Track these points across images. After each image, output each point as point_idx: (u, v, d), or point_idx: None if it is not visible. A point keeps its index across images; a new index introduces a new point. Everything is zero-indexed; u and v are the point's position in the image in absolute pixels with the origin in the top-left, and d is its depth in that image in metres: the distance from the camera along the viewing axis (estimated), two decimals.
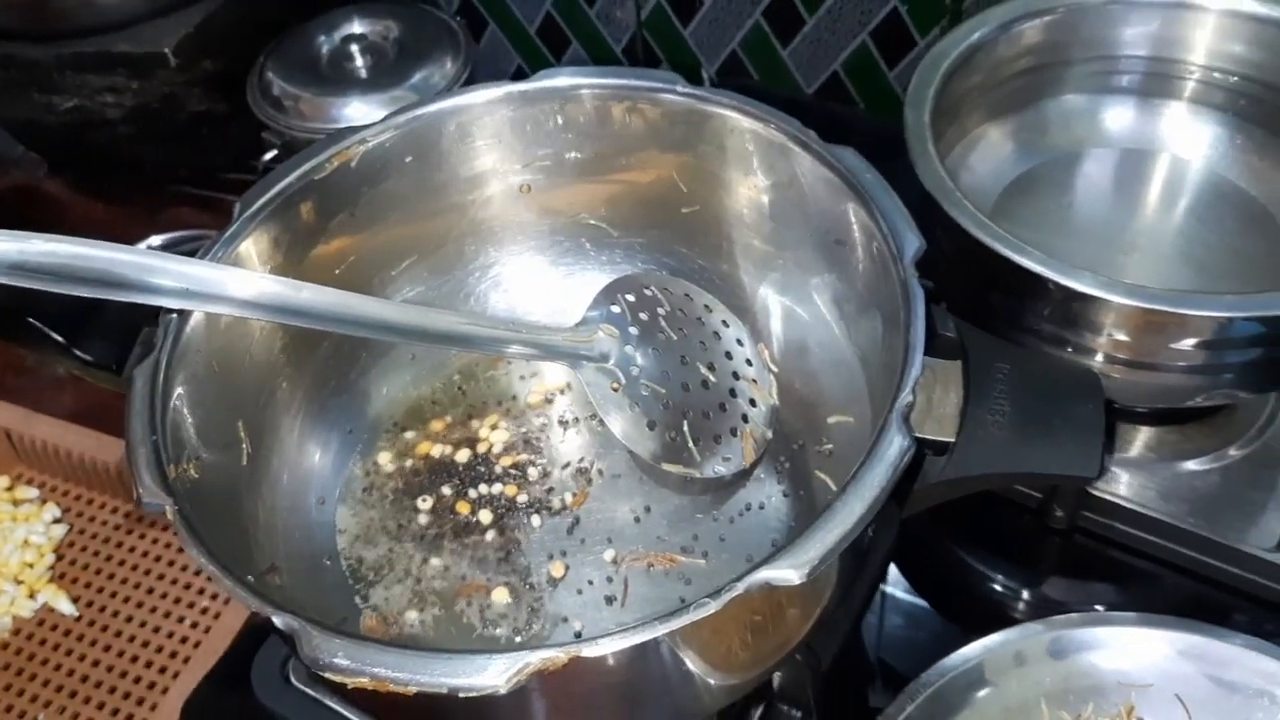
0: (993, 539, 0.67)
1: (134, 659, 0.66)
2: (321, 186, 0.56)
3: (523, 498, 0.59)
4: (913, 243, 0.48)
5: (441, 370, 0.64)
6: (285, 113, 0.81)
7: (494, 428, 0.62)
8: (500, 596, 0.55)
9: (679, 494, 0.58)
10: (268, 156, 0.81)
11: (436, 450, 0.61)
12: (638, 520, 0.57)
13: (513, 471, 0.60)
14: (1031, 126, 0.70)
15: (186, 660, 0.65)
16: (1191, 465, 0.64)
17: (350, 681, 0.37)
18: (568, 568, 0.56)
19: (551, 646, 0.38)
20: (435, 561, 0.57)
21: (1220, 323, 0.52)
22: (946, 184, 0.56)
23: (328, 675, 0.38)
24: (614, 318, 0.57)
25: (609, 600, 0.55)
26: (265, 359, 0.56)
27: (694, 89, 0.57)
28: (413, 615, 0.55)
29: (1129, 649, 0.53)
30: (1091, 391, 0.47)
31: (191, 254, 0.51)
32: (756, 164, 0.57)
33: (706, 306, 0.60)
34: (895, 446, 0.42)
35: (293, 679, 0.55)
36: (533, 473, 0.60)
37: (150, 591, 0.69)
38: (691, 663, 0.43)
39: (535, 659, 0.37)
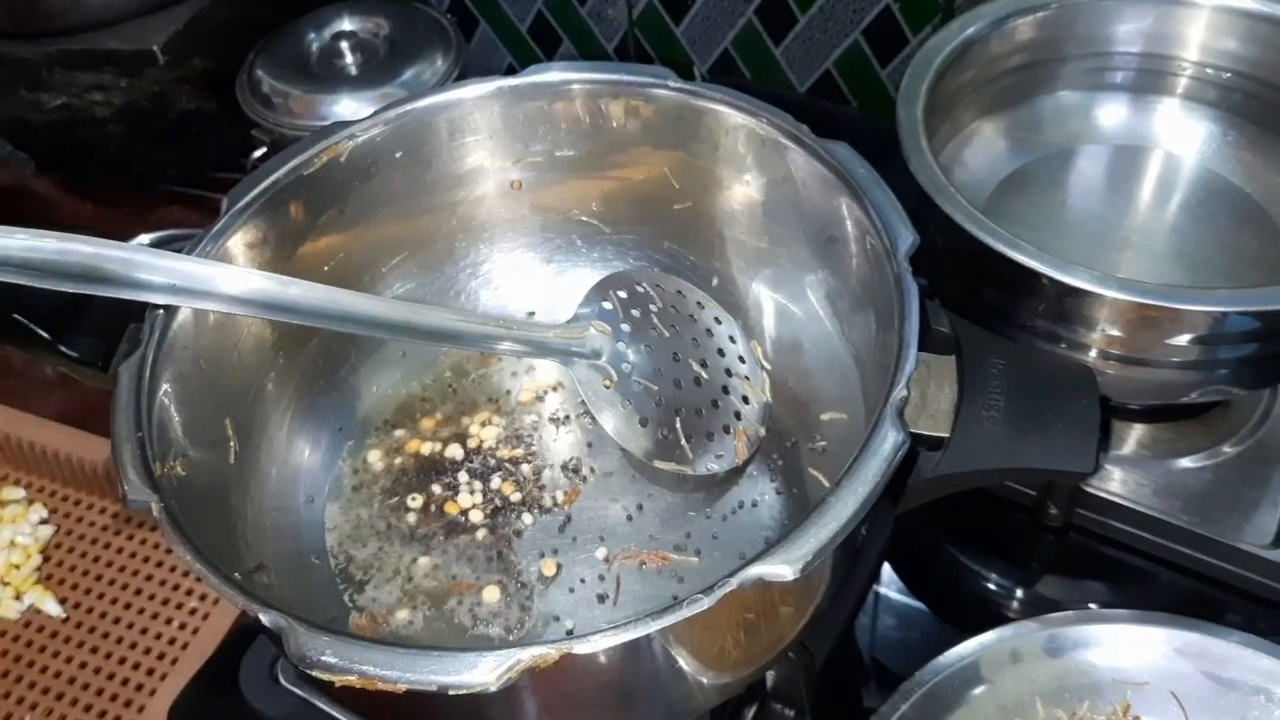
0: (987, 537, 0.67)
1: (121, 660, 0.65)
2: (310, 182, 0.56)
3: (514, 496, 0.58)
4: (906, 238, 0.48)
5: (432, 367, 0.64)
6: (275, 110, 0.80)
7: (485, 425, 0.61)
8: (491, 595, 0.54)
9: (671, 492, 0.58)
10: (257, 154, 0.80)
11: (427, 448, 0.61)
12: (630, 518, 0.57)
13: (504, 469, 0.60)
14: (1025, 123, 0.69)
15: (174, 661, 0.64)
16: (1186, 462, 0.64)
17: (339, 680, 0.37)
18: (559, 566, 0.56)
19: (542, 643, 0.37)
20: (425, 560, 0.56)
21: (1215, 318, 0.52)
22: (940, 180, 0.56)
23: (316, 673, 0.37)
24: (606, 314, 0.56)
25: (601, 598, 0.54)
26: (254, 356, 0.55)
27: (686, 84, 0.56)
28: (403, 614, 0.54)
29: (1125, 647, 0.53)
30: (1087, 387, 0.46)
31: (179, 252, 0.51)
32: (749, 160, 0.57)
33: (699, 303, 0.59)
34: (889, 442, 0.42)
35: (281, 679, 0.54)
36: (524, 470, 0.59)
37: (138, 593, 0.68)
38: (684, 661, 0.43)
39: (526, 656, 0.37)
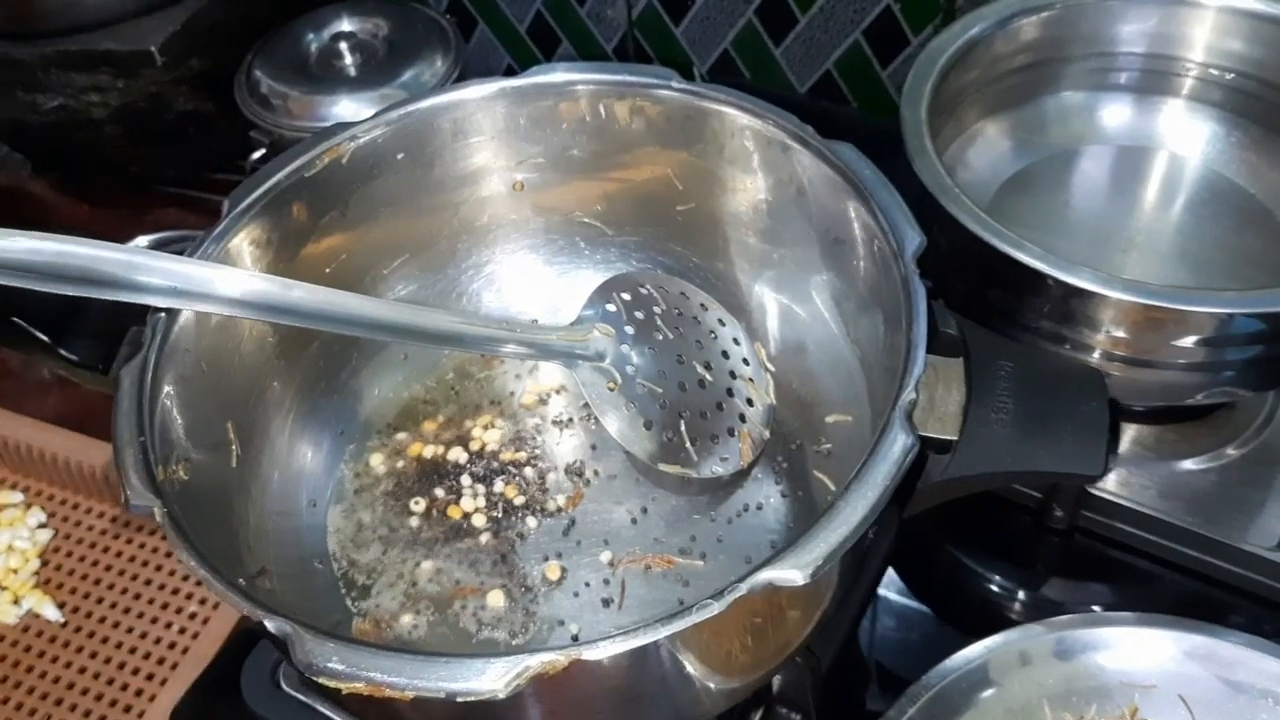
0: (991, 540, 0.67)
1: (121, 665, 0.65)
2: (312, 184, 0.55)
3: (518, 499, 0.58)
4: (913, 239, 0.48)
5: (434, 370, 0.63)
6: (273, 111, 0.80)
7: (488, 428, 0.61)
8: (495, 600, 0.54)
9: (676, 495, 0.57)
10: (256, 156, 0.80)
11: (429, 451, 0.60)
12: (634, 521, 0.57)
13: (507, 472, 0.59)
14: (1028, 123, 0.69)
15: (175, 666, 0.64)
16: (1190, 464, 0.63)
17: (345, 687, 0.37)
18: (564, 570, 0.55)
19: (551, 649, 0.37)
20: (428, 564, 0.56)
21: (1221, 319, 0.52)
22: (945, 180, 0.56)
23: (323, 680, 0.37)
24: (609, 316, 0.56)
25: (606, 602, 0.54)
26: (255, 359, 0.55)
27: (689, 85, 0.56)
28: (406, 619, 0.54)
29: (1133, 650, 0.53)
30: (1095, 389, 0.46)
31: (179, 254, 0.51)
32: (754, 161, 0.56)
33: (702, 305, 0.59)
34: (899, 445, 0.41)
35: (283, 685, 0.54)
36: (528, 474, 0.59)
37: (137, 597, 0.68)
38: (692, 666, 0.42)
39: (535, 662, 0.36)
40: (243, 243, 0.53)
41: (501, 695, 0.36)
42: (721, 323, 0.59)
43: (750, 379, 0.58)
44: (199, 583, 0.66)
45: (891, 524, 0.54)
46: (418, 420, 0.62)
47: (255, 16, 0.86)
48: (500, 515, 0.57)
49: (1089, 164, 0.68)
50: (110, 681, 0.64)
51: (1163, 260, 0.64)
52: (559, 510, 0.57)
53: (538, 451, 0.60)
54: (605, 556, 0.55)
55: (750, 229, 0.60)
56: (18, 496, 0.73)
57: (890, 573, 0.66)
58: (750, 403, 0.57)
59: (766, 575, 0.38)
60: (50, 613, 0.67)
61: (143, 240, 0.84)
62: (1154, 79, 0.68)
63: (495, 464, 0.60)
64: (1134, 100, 0.69)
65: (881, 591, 0.65)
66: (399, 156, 0.58)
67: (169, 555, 0.69)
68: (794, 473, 0.57)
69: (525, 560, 0.56)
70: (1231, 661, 0.52)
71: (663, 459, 0.55)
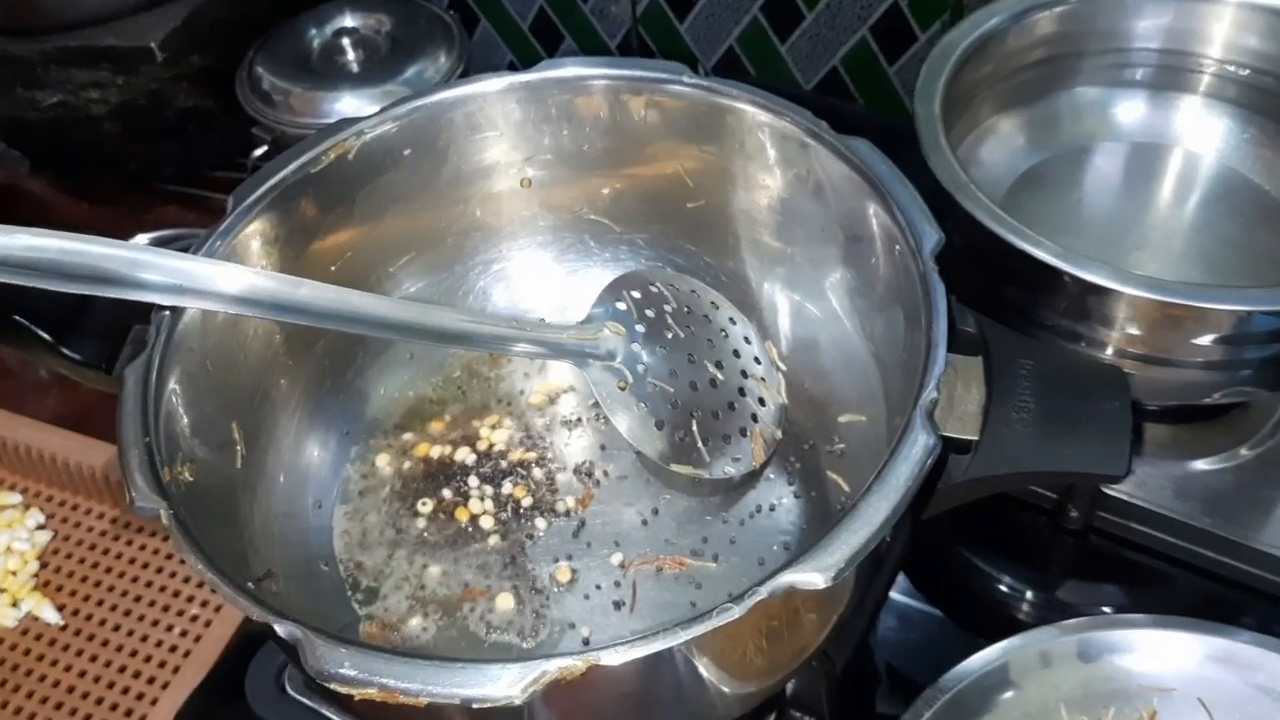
0: (1004, 541, 0.66)
1: (122, 669, 0.64)
2: (318, 180, 0.55)
3: (526, 500, 0.57)
4: (931, 236, 0.47)
5: (441, 369, 0.63)
6: (275, 108, 0.79)
7: (496, 428, 0.60)
8: (504, 602, 0.53)
9: (687, 496, 0.57)
10: (258, 153, 0.79)
11: (436, 451, 0.60)
12: (645, 523, 0.56)
13: (515, 473, 0.59)
14: (1042, 119, 0.69)
15: (177, 670, 0.63)
16: (1206, 464, 0.63)
17: (358, 693, 0.36)
18: (574, 572, 0.54)
19: (568, 655, 0.36)
20: (436, 566, 0.55)
21: (1239, 317, 0.51)
22: (960, 176, 0.55)
23: (334, 686, 0.36)
24: (620, 315, 0.55)
25: (617, 605, 0.53)
26: (261, 357, 0.54)
27: (702, 80, 0.55)
28: (414, 622, 0.53)
29: (1152, 652, 0.52)
30: (1118, 388, 0.45)
31: (182, 252, 0.50)
32: (771, 157, 0.56)
33: (713, 303, 0.58)
34: (920, 445, 0.41)
35: (288, 688, 0.53)
36: (537, 474, 0.58)
37: (138, 599, 0.67)
38: (709, 671, 0.42)
39: (552, 668, 0.36)
40: (248, 240, 0.52)
41: (518, 701, 0.35)
42: (732, 321, 0.58)
43: (762, 378, 0.57)
44: (201, 584, 0.65)
45: (907, 525, 0.54)
46: (425, 420, 0.61)
47: (257, 12, 0.85)
48: (509, 517, 0.57)
49: (1103, 160, 0.68)
50: (111, 685, 0.63)
51: (1177, 258, 0.63)
52: (569, 511, 0.57)
53: (547, 452, 0.59)
54: (616, 558, 0.55)
55: (762, 226, 0.59)
56: (16, 498, 0.72)
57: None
58: (762, 402, 0.56)
59: (787, 578, 0.37)
60: (49, 615, 0.66)
61: (143, 239, 0.83)
62: (1169, 75, 0.68)
63: (503, 465, 0.59)
64: (1149, 96, 0.69)
65: None
66: (406, 152, 0.57)
67: (170, 557, 0.68)
68: (807, 473, 0.57)
69: (535, 562, 0.55)
70: (1252, 664, 0.51)
71: (674, 459, 0.54)
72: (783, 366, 0.59)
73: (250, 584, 0.42)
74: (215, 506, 0.48)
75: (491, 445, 0.60)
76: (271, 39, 0.83)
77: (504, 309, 0.63)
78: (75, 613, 0.66)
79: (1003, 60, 0.65)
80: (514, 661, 0.36)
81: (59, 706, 0.62)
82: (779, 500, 0.56)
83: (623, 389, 0.54)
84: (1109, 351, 0.55)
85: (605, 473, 0.58)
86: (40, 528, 0.71)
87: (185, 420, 0.47)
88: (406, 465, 0.59)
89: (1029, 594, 0.64)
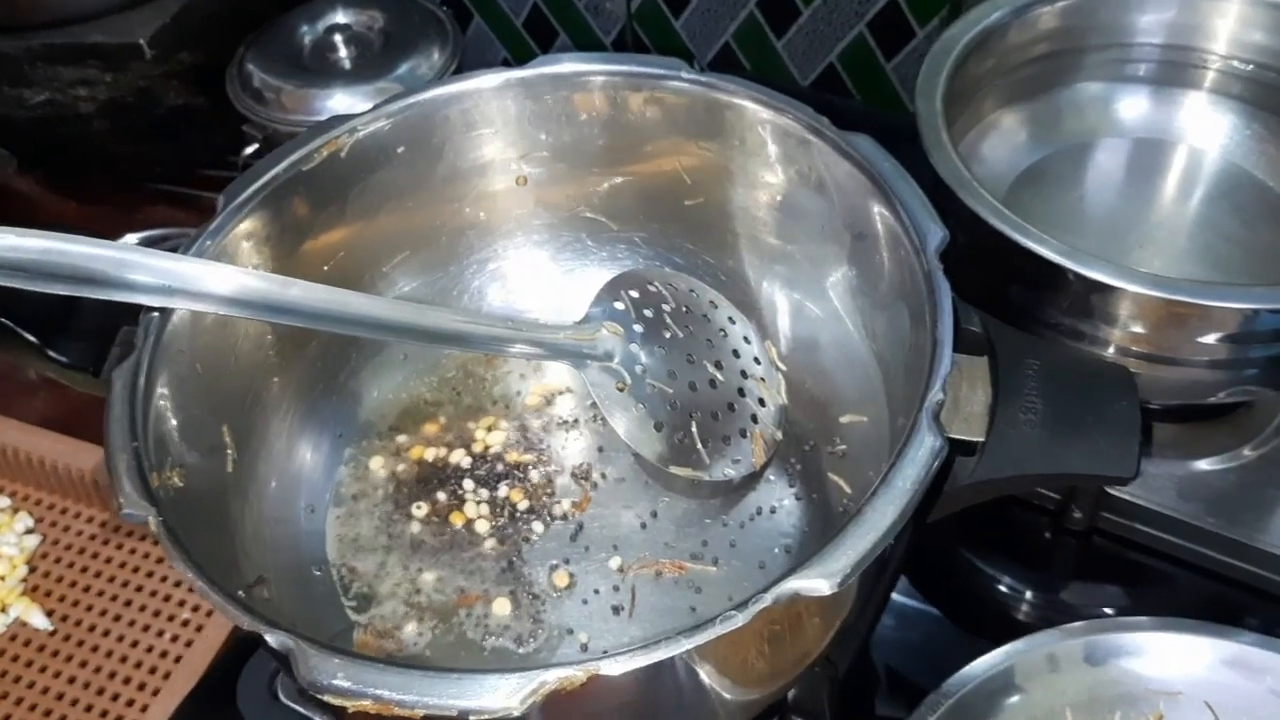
0: (1007, 542, 0.65)
1: (112, 675, 0.63)
2: (310, 178, 0.54)
3: (523, 503, 0.56)
4: (935, 233, 0.47)
5: (436, 369, 0.62)
6: (267, 105, 0.78)
7: (491, 430, 0.59)
8: (501, 608, 0.52)
9: (686, 498, 0.56)
10: (248, 151, 0.78)
11: (431, 454, 0.59)
12: (644, 526, 0.55)
13: (512, 476, 0.58)
14: (1044, 115, 0.68)
15: (167, 676, 0.62)
16: (1209, 464, 0.62)
17: (351, 705, 0.35)
18: (572, 576, 0.54)
19: (567, 664, 0.35)
20: (432, 571, 0.54)
21: (1245, 315, 0.51)
22: (962, 173, 0.55)
23: (327, 698, 0.35)
24: (618, 314, 0.55)
25: (616, 610, 0.52)
26: (252, 359, 0.53)
27: (701, 76, 0.55)
28: (410, 629, 0.52)
29: (1159, 656, 0.51)
30: (1125, 388, 0.45)
31: (172, 251, 0.49)
32: (768, 154, 0.55)
33: (712, 302, 0.57)
34: (927, 447, 0.40)
35: (281, 696, 0.52)
36: (533, 477, 0.57)
37: (128, 604, 0.66)
38: (711, 679, 0.41)
39: (552, 678, 0.35)
40: (238, 239, 0.52)
41: (517, 713, 0.34)
42: (731, 320, 0.57)
43: (762, 378, 0.56)
44: (192, 590, 0.64)
45: (910, 527, 0.53)
46: (419, 421, 0.60)
47: (247, 8, 0.84)
48: (505, 520, 0.56)
49: (1106, 157, 0.67)
50: (100, 692, 0.62)
51: (1181, 255, 0.62)
52: (566, 515, 0.56)
53: (543, 454, 0.59)
54: (614, 562, 0.54)
55: (762, 224, 0.58)
56: (4, 501, 0.71)
57: None
58: (762, 403, 0.56)
59: (792, 584, 0.37)
60: (38, 621, 0.65)
61: (132, 238, 0.82)
62: (1173, 70, 0.67)
63: (500, 467, 0.58)
64: (1152, 92, 0.68)
65: None
66: (400, 150, 0.56)
67: (160, 561, 0.67)
68: (808, 475, 0.56)
69: (532, 567, 0.54)
70: (1260, 667, 0.51)
71: (673, 461, 0.53)
72: (782, 366, 0.59)
73: (241, 592, 0.42)
74: (205, 512, 0.47)
75: (487, 447, 0.59)
76: (263, 35, 0.82)
77: (500, 309, 0.62)
78: (65, 618, 0.65)
79: (1004, 56, 0.65)
80: (512, 671, 0.35)
81: (48, 713, 0.61)
82: (780, 502, 0.55)
83: (621, 390, 0.53)
84: (1112, 350, 0.54)
85: (603, 475, 0.57)
86: (29, 532, 0.70)
87: (175, 424, 0.46)
88: (400, 468, 0.58)
89: (1031, 595, 0.64)
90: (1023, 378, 0.45)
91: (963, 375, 0.45)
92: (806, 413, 0.57)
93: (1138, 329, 0.53)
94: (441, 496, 0.57)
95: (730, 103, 0.54)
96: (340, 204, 0.56)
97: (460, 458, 0.58)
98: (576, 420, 0.60)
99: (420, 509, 0.56)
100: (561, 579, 0.54)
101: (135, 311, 0.47)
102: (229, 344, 0.52)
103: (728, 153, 0.56)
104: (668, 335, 0.55)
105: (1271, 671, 0.50)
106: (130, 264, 0.44)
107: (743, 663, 0.42)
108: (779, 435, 0.56)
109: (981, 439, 0.43)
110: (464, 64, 0.80)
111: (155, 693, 0.61)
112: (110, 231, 0.82)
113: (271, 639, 0.37)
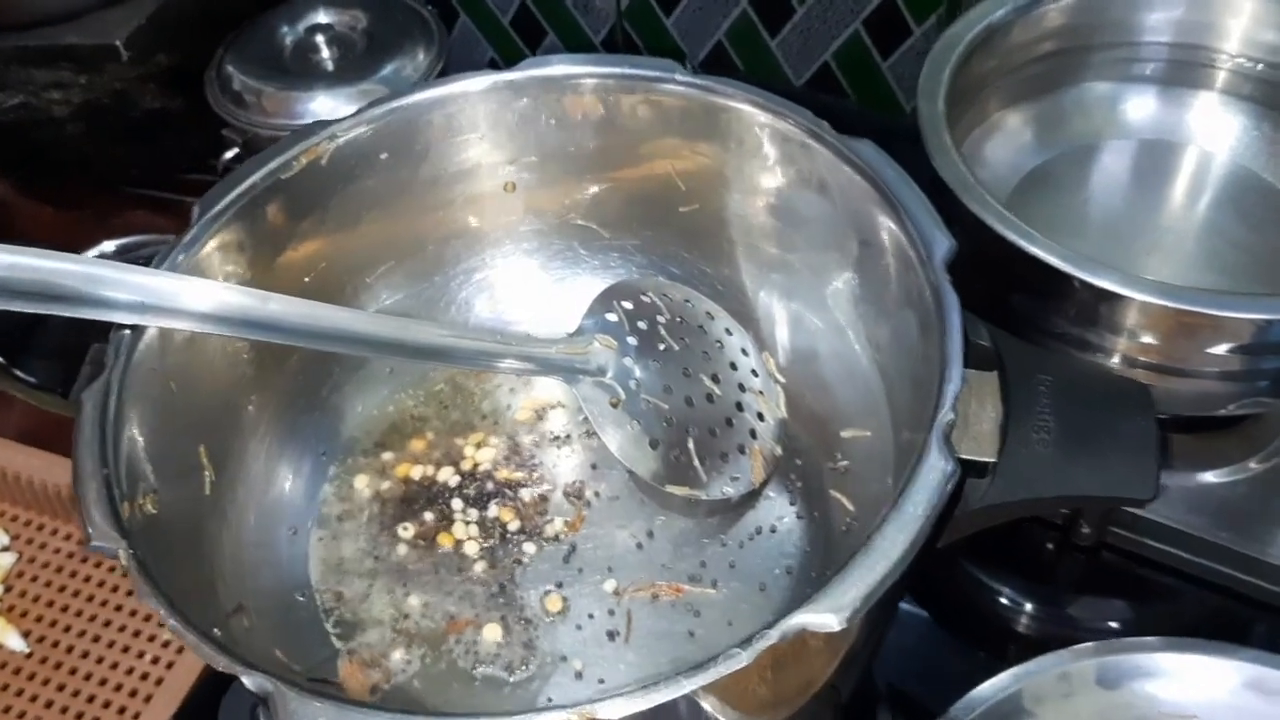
0: (1013, 557, 0.63)
1: (90, 698, 0.61)
2: (289, 186, 0.52)
3: (513, 524, 0.55)
4: (942, 243, 0.45)
5: (423, 383, 0.60)
6: (247, 109, 0.76)
7: (481, 446, 0.58)
8: (492, 634, 0.51)
9: (683, 517, 0.54)
10: (228, 156, 0.76)
11: (417, 472, 0.57)
12: (640, 546, 0.54)
13: (502, 495, 0.56)
14: (1049, 116, 0.66)
15: (148, 699, 0.60)
16: (1217, 476, 0.61)
17: None
18: (565, 600, 0.52)
19: (560, 708, 0.34)
20: (419, 596, 0.53)
21: (1259, 326, 0.49)
22: (966, 176, 0.53)
23: None
24: (611, 327, 0.53)
25: (611, 635, 0.51)
26: (229, 376, 0.51)
27: (696, 78, 0.53)
28: (397, 656, 0.50)
29: (1176, 677, 0.50)
30: (1142, 405, 0.43)
31: (148, 261, 0.47)
32: (767, 159, 0.53)
33: (708, 313, 0.56)
34: (938, 471, 0.38)
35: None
36: (524, 496, 0.56)
37: (107, 624, 0.64)
38: (712, 708, 0.39)
39: None
40: (214, 251, 0.50)
41: None
42: (729, 332, 0.56)
43: (760, 392, 0.55)
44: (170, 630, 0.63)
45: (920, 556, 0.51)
46: (406, 437, 0.58)
47: (226, 8, 0.82)
48: (495, 542, 0.54)
49: (1112, 159, 0.66)
50: (79, 716, 0.60)
51: (1189, 261, 0.61)
52: (558, 535, 0.54)
53: (535, 471, 0.57)
54: (609, 585, 0.52)
55: (760, 231, 0.56)
56: None
57: None
58: (761, 417, 0.54)
59: (799, 619, 0.35)
60: (14, 642, 0.63)
61: (109, 245, 0.81)
62: (1181, 70, 0.66)
63: (489, 485, 0.56)
64: (1160, 92, 0.66)
65: None
66: (383, 156, 0.55)
67: None
68: (809, 492, 0.54)
69: (523, 590, 0.52)
70: (1277, 690, 0.49)
71: (669, 479, 0.51)
72: (781, 379, 0.57)
73: (217, 626, 0.40)
74: (181, 539, 0.45)
75: (476, 465, 0.57)
76: (242, 36, 0.80)
77: (488, 320, 0.61)
78: (41, 639, 0.63)
79: (1008, 55, 0.63)
80: (501, 716, 0.33)
81: None
82: (780, 521, 0.54)
83: (614, 406, 0.52)
84: (1120, 360, 0.53)
85: (597, 493, 0.56)
86: (4, 549, 0.67)
87: (148, 447, 0.45)
88: (386, 486, 0.56)
89: (1036, 610, 0.62)
90: (1034, 394, 0.43)
91: (972, 392, 0.43)
92: (807, 427, 0.56)
93: (1146, 339, 0.51)
94: (429, 517, 0.55)
95: (726, 105, 0.53)
96: (321, 213, 0.54)
97: (448, 476, 0.57)
98: (569, 435, 0.58)
99: (407, 530, 0.55)
100: (554, 603, 0.52)
101: (105, 328, 0.45)
102: (205, 361, 0.50)
103: (723, 157, 0.55)
104: (662, 348, 0.53)
105: None
106: (101, 279, 0.42)
107: (744, 696, 0.40)
108: (779, 451, 0.54)
109: (993, 459, 0.42)
110: (450, 64, 0.78)
111: (136, 716, 0.59)
112: (87, 237, 0.81)
113: (249, 681, 0.35)
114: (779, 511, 0.54)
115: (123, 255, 0.83)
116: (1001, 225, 0.51)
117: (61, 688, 0.61)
